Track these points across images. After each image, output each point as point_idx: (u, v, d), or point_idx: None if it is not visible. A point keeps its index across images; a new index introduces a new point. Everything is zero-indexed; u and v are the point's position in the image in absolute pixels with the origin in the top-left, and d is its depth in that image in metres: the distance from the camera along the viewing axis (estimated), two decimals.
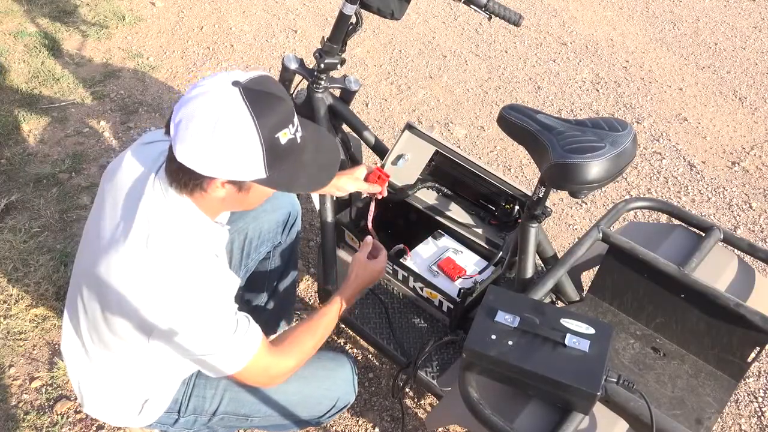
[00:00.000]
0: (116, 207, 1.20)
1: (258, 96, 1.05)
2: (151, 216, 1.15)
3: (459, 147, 2.86)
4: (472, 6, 1.66)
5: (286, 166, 1.11)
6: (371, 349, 2.11)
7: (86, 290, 1.22)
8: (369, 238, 1.57)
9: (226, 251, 1.68)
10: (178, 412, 1.42)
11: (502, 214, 1.90)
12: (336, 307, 1.42)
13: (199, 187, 1.12)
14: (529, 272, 1.60)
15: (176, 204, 1.16)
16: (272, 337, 1.37)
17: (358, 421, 1.94)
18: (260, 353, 1.24)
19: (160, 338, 1.16)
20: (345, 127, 2.01)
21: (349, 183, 1.64)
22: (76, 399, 1.94)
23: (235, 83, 1.05)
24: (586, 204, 2.79)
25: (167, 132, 1.09)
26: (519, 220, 1.82)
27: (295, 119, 1.12)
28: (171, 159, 1.11)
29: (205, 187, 1.11)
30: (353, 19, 1.75)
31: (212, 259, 1.21)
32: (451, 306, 1.80)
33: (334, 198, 1.95)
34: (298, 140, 1.13)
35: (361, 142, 2.05)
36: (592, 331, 1.14)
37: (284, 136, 1.08)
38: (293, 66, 1.92)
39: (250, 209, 1.25)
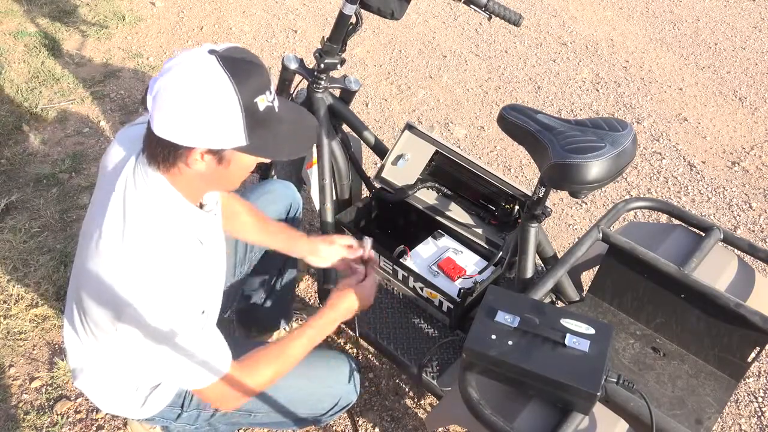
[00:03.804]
0: (100, 193, 1.21)
1: (235, 62, 1.04)
2: (128, 201, 1.14)
3: (459, 147, 2.86)
4: (472, 6, 1.66)
5: (265, 133, 1.10)
6: (371, 349, 2.11)
7: (76, 279, 1.23)
8: (360, 267, 1.51)
9: (229, 244, 1.68)
10: (182, 406, 1.42)
11: (502, 214, 1.90)
12: (303, 339, 1.35)
13: (178, 161, 1.09)
14: (529, 272, 1.60)
15: (155, 186, 1.14)
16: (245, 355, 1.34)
17: (358, 421, 1.94)
18: (226, 378, 1.22)
19: (125, 331, 1.14)
20: (345, 127, 2.01)
21: (323, 248, 1.59)
22: (76, 399, 1.94)
23: (212, 52, 1.04)
24: (586, 204, 2.79)
25: (145, 107, 1.07)
26: (519, 220, 1.82)
27: (272, 87, 1.10)
28: (149, 135, 1.10)
29: (185, 159, 1.08)
30: (353, 19, 1.75)
31: (193, 247, 1.19)
32: (451, 306, 1.80)
33: (334, 198, 1.95)
34: (276, 109, 1.11)
35: (361, 142, 2.05)
36: (592, 331, 1.14)
37: (262, 102, 1.07)
38: (293, 66, 1.92)
39: (232, 187, 1.22)
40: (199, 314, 1.18)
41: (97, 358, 1.34)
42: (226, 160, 1.10)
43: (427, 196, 2.00)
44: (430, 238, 2.00)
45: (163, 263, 1.12)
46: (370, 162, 2.86)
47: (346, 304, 1.43)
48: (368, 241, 1.56)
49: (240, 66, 1.04)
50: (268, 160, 1.19)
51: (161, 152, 1.09)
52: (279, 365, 1.32)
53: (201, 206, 1.25)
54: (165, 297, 1.12)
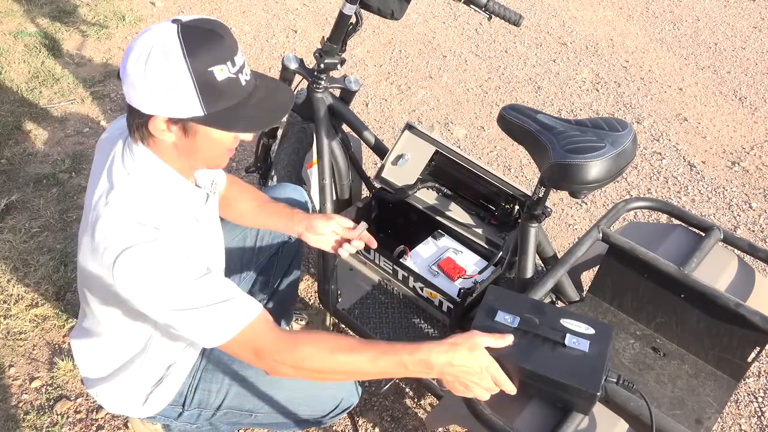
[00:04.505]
0: (92, 174, 1.22)
1: (194, 31, 1.04)
2: (114, 172, 1.14)
3: (459, 147, 2.86)
4: (472, 6, 1.66)
5: (228, 105, 1.08)
6: None
7: (77, 265, 1.23)
8: (510, 336, 1.12)
9: (236, 248, 1.68)
10: (183, 405, 1.42)
11: (502, 214, 1.90)
12: (388, 363, 1.12)
13: (145, 129, 1.10)
14: (529, 272, 1.60)
15: (141, 159, 1.14)
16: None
17: (358, 420, 1.94)
18: (254, 327, 1.12)
19: (125, 292, 1.11)
20: (345, 127, 2.02)
21: (321, 224, 1.51)
22: (76, 399, 1.94)
23: (175, 21, 1.05)
24: (586, 204, 2.79)
25: (118, 76, 1.09)
26: (519, 220, 1.82)
27: (238, 59, 1.08)
28: (127, 106, 1.11)
29: (150, 127, 1.09)
30: (353, 19, 1.75)
31: (187, 219, 1.19)
32: (451, 306, 1.80)
33: (334, 198, 1.95)
34: (242, 82, 1.10)
35: (361, 142, 2.05)
36: (592, 331, 1.14)
37: (221, 72, 1.05)
38: (293, 66, 1.92)
39: (213, 164, 1.20)
40: (203, 268, 1.13)
41: (100, 347, 1.34)
42: (191, 131, 1.10)
43: (427, 196, 2.00)
44: (430, 238, 2.00)
45: (150, 214, 1.11)
46: (370, 162, 2.86)
47: (467, 375, 1.10)
48: (363, 225, 1.51)
49: (197, 35, 1.04)
50: (248, 137, 1.17)
51: (133, 121, 1.11)
52: (345, 364, 1.14)
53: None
54: (153, 240, 1.09)
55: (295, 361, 1.14)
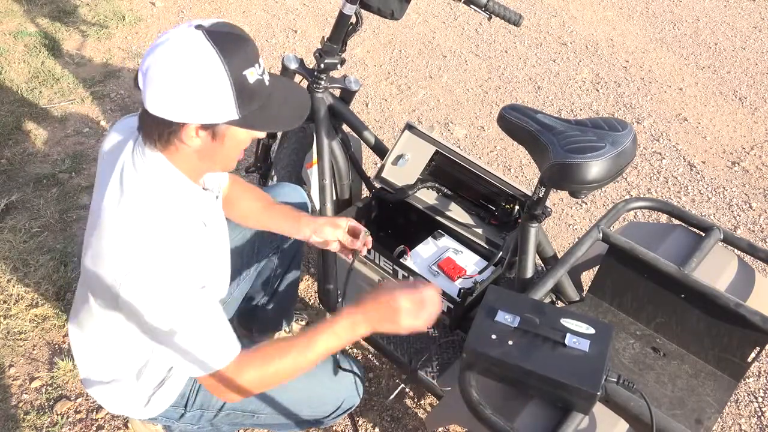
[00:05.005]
0: (100, 178, 1.22)
1: (222, 36, 1.05)
2: (126, 179, 1.14)
3: (459, 147, 2.86)
4: (472, 6, 1.66)
5: (256, 106, 1.10)
6: (371, 349, 2.11)
7: (82, 264, 1.23)
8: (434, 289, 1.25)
9: (237, 247, 1.68)
10: (185, 406, 1.42)
11: (502, 214, 1.90)
12: (322, 342, 1.20)
13: (174, 137, 1.09)
14: (529, 272, 1.60)
15: (154, 165, 1.14)
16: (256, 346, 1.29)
17: (358, 420, 1.94)
18: (222, 372, 1.17)
19: (126, 308, 1.12)
20: (345, 127, 2.02)
21: (328, 230, 1.52)
22: (76, 399, 1.94)
23: (198, 27, 1.05)
24: (586, 204, 2.80)
25: (137, 86, 1.08)
26: (519, 220, 1.82)
27: (261, 61, 1.11)
28: (143, 114, 1.10)
29: (180, 135, 1.08)
30: (353, 19, 1.75)
31: (196, 226, 1.19)
32: (451, 306, 1.80)
33: (334, 198, 1.95)
34: (266, 82, 1.12)
35: (361, 142, 2.05)
36: (592, 331, 1.14)
37: (252, 75, 1.07)
38: (293, 66, 1.92)
39: (229, 166, 1.21)
40: (198, 288, 1.15)
41: (102, 350, 1.34)
42: (220, 135, 1.10)
43: (427, 196, 2.00)
44: (430, 238, 2.00)
45: (160, 231, 1.11)
46: (370, 162, 2.86)
47: (382, 312, 1.20)
48: (366, 233, 1.52)
49: (227, 40, 1.05)
50: (262, 135, 1.19)
51: (156, 130, 1.10)
52: (288, 366, 1.20)
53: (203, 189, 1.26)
54: (160, 264, 1.10)
55: (242, 390, 1.20)
